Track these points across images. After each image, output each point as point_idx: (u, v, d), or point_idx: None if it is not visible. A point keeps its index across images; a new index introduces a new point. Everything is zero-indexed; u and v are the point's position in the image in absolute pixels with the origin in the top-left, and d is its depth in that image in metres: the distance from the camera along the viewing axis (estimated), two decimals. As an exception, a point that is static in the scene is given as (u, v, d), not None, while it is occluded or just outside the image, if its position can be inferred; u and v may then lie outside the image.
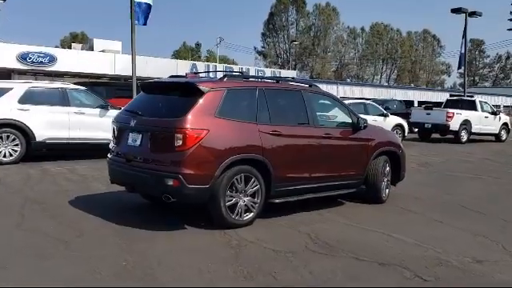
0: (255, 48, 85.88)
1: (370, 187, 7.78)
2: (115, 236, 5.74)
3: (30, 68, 28.86)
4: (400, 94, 51.08)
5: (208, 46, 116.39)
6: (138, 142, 6.16)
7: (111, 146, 6.84)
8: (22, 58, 28.39)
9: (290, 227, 6.31)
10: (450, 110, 21.31)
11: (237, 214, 6.11)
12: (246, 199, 6.20)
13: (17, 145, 11.15)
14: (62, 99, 11.88)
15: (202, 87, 5.99)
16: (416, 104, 46.56)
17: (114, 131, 6.74)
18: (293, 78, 6.57)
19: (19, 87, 11.54)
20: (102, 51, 32.56)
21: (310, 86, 7.47)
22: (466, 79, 27.25)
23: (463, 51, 27.03)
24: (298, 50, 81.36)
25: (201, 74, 7.35)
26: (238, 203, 6.12)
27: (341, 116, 7.60)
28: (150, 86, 6.78)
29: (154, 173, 5.84)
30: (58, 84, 12.50)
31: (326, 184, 7.17)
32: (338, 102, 7.72)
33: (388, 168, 8.05)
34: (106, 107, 12.32)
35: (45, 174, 9.95)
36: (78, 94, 12.52)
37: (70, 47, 37.19)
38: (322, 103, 7.53)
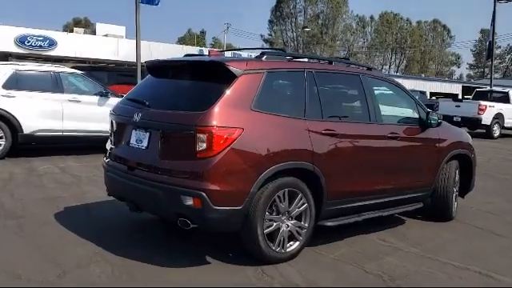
0: (262, 36, 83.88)
1: (439, 200, 6.10)
2: (110, 276, 4.07)
3: (28, 52, 27.36)
4: (409, 84, 49.16)
5: (213, 34, 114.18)
6: (145, 144, 4.47)
7: (108, 146, 5.15)
8: (21, 41, 26.90)
9: (350, 262, 4.63)
10: (483, 103, 19.55)
11: (278, 245, 4.45)
12: (290, 223, 4.53)
13: (0, 137, 9.45)
14: (54, 85, 10.20)
15: (234, 68, 4.28)
16: (428, 95, 44.63)
17: (112, 126, 5.03)
18: (346, 58, 5.31)
19: (3, 70, 9.84)
20: (105, 36, 30.91)
21: (369, 69, 5.72)
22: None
23: (491, 39, 25.12)
24: (305, 38, 79.40)
25: (227, 54, 5.57)
26: (279, 229, 4.45)
27: (407, 109, 5.89)
28: (161, 67, 5.05)
29: (165, 188, 4.17)
30: (49, 67, 10.74)
31: (389, 199, 5.49)
32: (403, 90, 5.98)
33: (458, 175, 6.33)
34: (106, 95, 10.65)
35: (31, 174, 8.29)
36: (74, 79, 10.85)
37: (71, 31, 35.47)
38: (385, 92, 5.81)
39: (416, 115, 5.87)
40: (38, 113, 9.81)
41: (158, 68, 5.05)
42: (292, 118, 4.58)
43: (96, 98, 10.56)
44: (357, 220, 5.15)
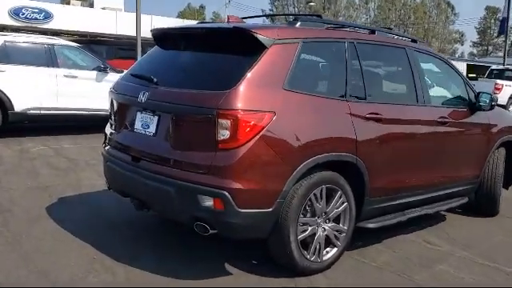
0: (263, 11, 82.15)
1: (485, 194, 5.34)
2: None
3: (23, 25, 26.26)
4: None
5: (212, 9, 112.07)
6: (152, 129, 3.67)
7: (108, 130, 4.34)
8: (15, 13, 25.76)
9: (397, 272, 3.89)
10: (499, 82, 18.67)
11: (313, 252, 3.69)
12: (327, 226, 3.77)
13: (-11, 116, 8.64)
14: (48, 58, 9.33)
15: (262, 36, 3.46)
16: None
17: (113, 107, 4.22)
18: (389, 27, 4.68)
19: (-9, 41, 8.94)
20: (103, 8, 29.78)
21: (414, 41, 4.88)
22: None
23: (505, 15, 24.09)
24: (307, 13, 77.82)
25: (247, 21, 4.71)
26: (315, 234, 3.67)
27: (455, 89, 5.08)
28: (171, 36, 4.21)
29: (178, 185, 3.38)
30: (43, 38, 9.84)
31: (435, 194, 4.73)
32: (450, 66, 5.14)
33: (504, 165, 5.55)
34: (105, 70, 9.80)
35: (22, 157, 7.49)
36: (70, 53, 9.99)
37: (68, 4, 34.27)
38: (432, 69, 4.97)
39: (465, 96, 5.05)
40: (31, 89, 8.98)
41: (167, 37, 4.20)
42: (331, 98, 3.77)
43: (94, 74, 9.73)
44: (401, 220, 4.38)
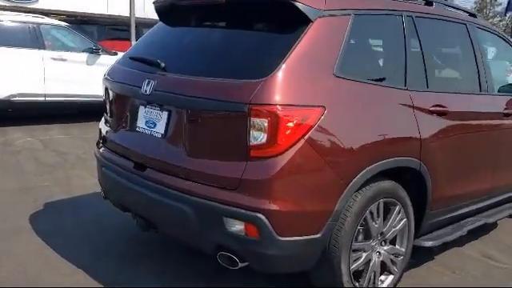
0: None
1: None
2: None
3: (9, 4, 24.98)
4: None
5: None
6: (160, 129, 2.83)
7: (102, 126, 3.49)
8: (0, -8, 24.56)
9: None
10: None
11: (368, 283, 2.87)
12: (383, 250, 2.96)
13: (-32, 104, 7.75)
14: (33, 39, 8.41)
15: (306, 6, 2.62)
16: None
17: (108, 98, 3.37)
18: None
19: (-31, 20, 7.99)
20: (94, -13, 28.55)
21: (473, 15, 4.02)
22: None
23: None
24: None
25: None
26: (370, 261, 2.86)
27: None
28: (183, 9, 3.30)
29: (197, 203, 2.57)
30: (27, 17, 8.87)
31: (495, 200, 3.93)
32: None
33: None
34: (97, 51, 8.88)
35: (5, 151, 6.63)
36: (58, 33, 9.07)
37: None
38: (494, 49, 4.13)
39: (529, 82, 4.23)
40: (15, 73, 8.09)
41: (176, 10, 3.31)
42: (391, 87, 2.94)
43: (85, 56, 8.81)
44: (461, 235, 3.59)
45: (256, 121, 2.41)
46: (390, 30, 3.11)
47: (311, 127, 2.46)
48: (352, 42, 2.78)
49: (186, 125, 2.70)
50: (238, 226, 2.49)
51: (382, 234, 2.95)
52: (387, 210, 2.95)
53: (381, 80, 2.93)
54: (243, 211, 2.45)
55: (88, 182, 5.23)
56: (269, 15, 2.76)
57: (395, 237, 3.06)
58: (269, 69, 2.47)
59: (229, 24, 2.96)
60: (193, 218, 2.60)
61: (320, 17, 2.64)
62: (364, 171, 2.66)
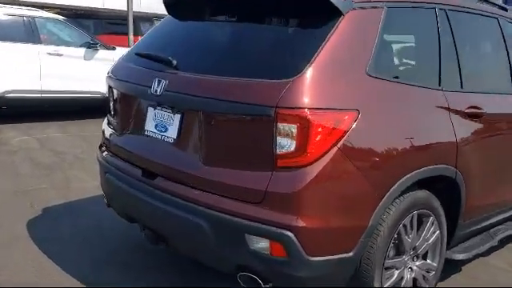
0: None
1: None
2: None
3: (2, -1, 24.58)
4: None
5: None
6: (172, 133, 2.56)
7: (106, 129, 3.21)
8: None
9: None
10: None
11: (400, 301, 2.62)
12: (415, 266, 2.70)
13: (-39, 101, 7.44)
14: (29, 33, 8.09)
15: (337, -1, 2.32)
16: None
17: (113, 98, 3.08)
18: None
19: (-40, 13, 7.68)
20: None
21: (504, 9, 3.74)
22: None
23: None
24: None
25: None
26: (402, 279, 2.60)
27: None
28: (195, 0, 3.01)
29: (216, 218, 2.28)
30: (22, 10, 8.54)
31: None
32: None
33: None
34: (95, 46, 8.56)
35: (0, 151, 6.31)
36: (54, 27, 8.75)
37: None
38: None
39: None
40: (9, 69, 7.77)
41: (186, 2, 3.02)
42: (425, 88, 2.68)
43: (82, 51, 8.50)
44: (492, 245, 3.33)
45: (283, 126, 2.14)
46: (422, 24, 2.84)
47: (344, 133, 2.20)
48: (385, 37, 2.52)
49: (202, 129, 2.43)
50: (262, 245, 2.23)
51: (414, 248, 2.70)
52: (420, 222, 2.69)
53: (415, 79, 2.67)
54: (268, 228, 2.18)
55: (87, 184, 4.97)
56: (295, 6, 2.48)
57: (427, 251, 2.79)
58: (297, 67, 2.20)
59: (249, 17, 2.67)
60: (210, 234, 2.34)
61: (352, 9, 2.37)
62: (400, 181, 2.40)
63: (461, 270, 3.52)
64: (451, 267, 3.42)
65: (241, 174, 2.28)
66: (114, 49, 8.69)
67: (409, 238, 2.61)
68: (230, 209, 2.27)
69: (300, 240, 2.15)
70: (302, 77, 2.17)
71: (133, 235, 3.56)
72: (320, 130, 2.14)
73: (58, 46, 8.34)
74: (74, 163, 5.89)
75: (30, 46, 7.99)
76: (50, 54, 8.13)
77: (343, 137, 2.19)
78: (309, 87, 2.16)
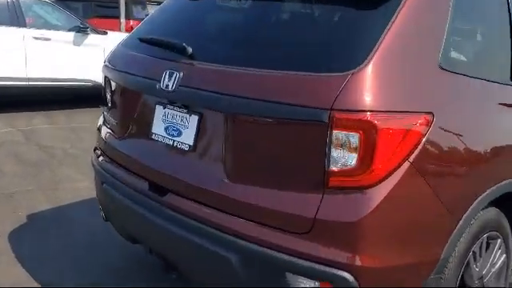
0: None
1: None
2: None
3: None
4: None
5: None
6: (188, 139, 2.06)
7: (102, 128, 2.68)
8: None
9: None
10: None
11: None
12: (480, 297, 2.21)
13: None
14: (12, 16, 7.49)
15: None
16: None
17: (110, 91, 2.55)
18: None
19: None
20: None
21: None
22: None
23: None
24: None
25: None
26: (468, 315, 2.13)
27: None
28: None
29: (248, 250, 1.77)
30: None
31: None
32: None
33: None
34: (85, 30, 7.94)
35: (-19, 145, 5.75)
36: (41, 10, 8.14)
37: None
38: None
39: None
40: (-9, 55, 7.13)
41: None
42: (499, 83, 2.16)
43: (71, 35, 7.88)
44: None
45: (341, 135, 1.63)
46: (493, 8, 2.32)
47: (418, 143, 1.69)
48: (456, 21, 1.99)
49: (228, 135, 1.91)
50: (309, 286, 1.72)
51: (481, 278, 2.21)
52: (487, 246, 2.21)
53: (488, 73, 2.16)
54: (318, 266, 1.68)
55: (79, 184, 4.46)
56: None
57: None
58: (356, 58, 1.69)
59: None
60: (239, 271, 1.83)
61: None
62: (477, 201, 1.91)
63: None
64: None
65: (280, 194, 1.77)
66: (105, 33, 8.11)
67: (477, 267, 2.13)
68: (267, 240, 1.77)
69: (360, 282, 1.66)
70: (365, 69, 1.66)
71: (135, 252, 3.05)
72: (389, 139, 1.64)
73: (44, 29, 7.72)
74: (64, 160, 5.35)
75: (14, 29, 7.37)
76: (36, 38, 7.52)
77: (416, 148, 1.69)
78: (375, 83, 1.65)
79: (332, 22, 1.94)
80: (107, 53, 7.95)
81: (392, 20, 1.73)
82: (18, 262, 3.08)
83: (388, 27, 1.72)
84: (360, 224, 1.65)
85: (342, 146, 1.64)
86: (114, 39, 8.25)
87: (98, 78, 7.77)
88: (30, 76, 7.53)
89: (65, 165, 5.16)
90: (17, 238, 3.42)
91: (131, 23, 12.68)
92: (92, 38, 7.92)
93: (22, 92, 7.75)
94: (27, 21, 7.68)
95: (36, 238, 3.45)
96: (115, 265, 3.11)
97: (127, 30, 12.80)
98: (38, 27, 7.74)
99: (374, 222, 1.65)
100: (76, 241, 3.41)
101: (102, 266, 3.09)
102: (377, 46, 1.69)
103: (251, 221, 1.82)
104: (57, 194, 4.30)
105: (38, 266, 3.03)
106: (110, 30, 8.97)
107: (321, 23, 1.96)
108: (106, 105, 2.66)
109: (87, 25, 8.18)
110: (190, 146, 2.06)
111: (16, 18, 7.48)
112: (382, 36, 1.70)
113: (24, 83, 7.53)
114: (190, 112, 2.06)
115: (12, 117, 7.21)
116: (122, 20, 11.31)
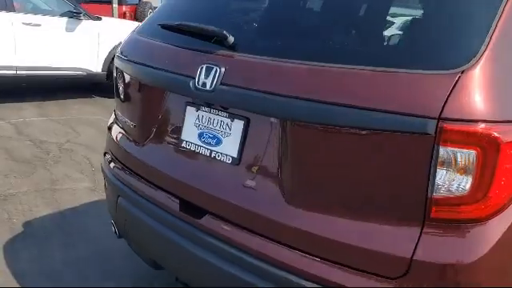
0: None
1: None
2: None
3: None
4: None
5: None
6: (232, 149, 1.66)
7: (113, 130, 2.25)
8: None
9: None
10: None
11: None
12: None
13: None
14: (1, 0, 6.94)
15: None
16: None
17: (125, 90, 2.11)
18: None
19: None
20: None
21: None
22: None
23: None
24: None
25: None
26: None
27: None
28: None
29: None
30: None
31: None
32: None
33: None
34: (78, 16, 7.45)
35: (-32, 141, 5.30)
36: (31, -7, 7.58)
37: None
38: None
39: None
40: (-23, 42, 6.64)
41: None
42: None
43: (63, 21, 7.36)
44: None
45: (451, 152, 1.23)
46: None
47: (543, 162, 1.30)
48: None
49: (286, 148, 1.50)
50: None
51: None
52: None
53: None
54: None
55: (78, 185, 4.07)
56: None
57: None
58: (467, 49, 1.27)
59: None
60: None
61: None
62: None
63: None
64: None
65: (362, 227, 1.38)
66: (99, 19, 7.64)
67: None
68: (345, 284, 1.36)
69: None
70: (480, 64, 1.25)
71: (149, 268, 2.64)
72: None
73: (35, 14, 7.23)
74: (59, 156, 4.92)
75: (1, 14, 6.86)
76: (25, 24, 7.03)
77: (540, 168, 1.30)
78: (494, 86, 1.25)
79: (425, 7, 1.53)
80: (101, 40, 7.28)
81: (498, 13, 1.33)
82: (14, 278, 2.68)
83: (498, 15, 1.32)
84: (473, 268, 1.26)
85: (451, 166, 1.25)
86: (109, 25, 7.80)
87: (92, 66, 7.43)
88: (18, 64, 7.05)
89: (61, 162, 4.73)
90: (10, 249, 3.02)
91: (124, 9, 12.17)
92: (85, 23, 7.46)
93: (11, 81, 7.26)
94: (15, 5, 7.17)
95: (31, 249, 3.04)
96: (128, 284, 2.71)
97: (120, 16, 12.30)
98: (28, 12, 7.28)
99: (492, 265, 1.27)
100: (78, 253, 3.01)
101: (115, 283, 2.69)
102: (488, 38, 1.29)
103: (319, 258, 1.43)
104: (55, 197, 3.89)
105: (40, 283, 2.62)
106: (102, 15, 8.49)
107: (416, 6, 1.55)
108: (119, 102, 2.24)
109: (80, 10, 7.68)
110: (233, 158, 1.66)
111: (4, 2, 6.97)
112: (493, 26, 1.30)
113: (12, 72, 7.05)
114: (232, 116, 1.66)
115: (1, 108, 6.74)
116: (115, 5, 10.77)
